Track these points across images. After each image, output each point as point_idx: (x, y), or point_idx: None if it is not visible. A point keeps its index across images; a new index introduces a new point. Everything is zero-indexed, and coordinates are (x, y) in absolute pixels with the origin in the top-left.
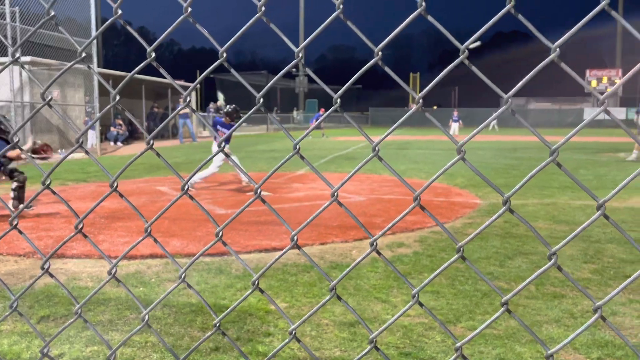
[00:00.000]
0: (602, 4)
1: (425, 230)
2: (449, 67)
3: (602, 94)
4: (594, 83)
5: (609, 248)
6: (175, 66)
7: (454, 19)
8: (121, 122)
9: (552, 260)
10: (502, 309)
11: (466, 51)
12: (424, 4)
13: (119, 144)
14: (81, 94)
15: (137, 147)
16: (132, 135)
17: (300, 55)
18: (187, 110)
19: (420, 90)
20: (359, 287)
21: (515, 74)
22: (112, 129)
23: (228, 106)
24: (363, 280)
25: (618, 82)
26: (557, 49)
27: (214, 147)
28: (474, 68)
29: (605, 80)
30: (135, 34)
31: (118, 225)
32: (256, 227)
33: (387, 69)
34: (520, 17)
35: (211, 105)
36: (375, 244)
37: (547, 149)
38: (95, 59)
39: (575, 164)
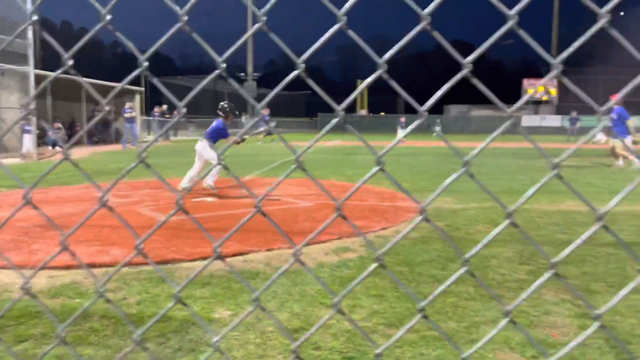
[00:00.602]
0: (599, 24)
1: (371, 235)
2: (451, 80)
3: (538, 102)
4: (529, 91)
5: (543, 249)
6: (118, 68)
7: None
8: (60, 126)
9: (552, 271)
10: (418, 315)
11: (471, 65)
12: (429, 17)
13: (57, 148)
14: (16, 97)
15: (78, 152)
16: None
17: (302, 65)
18: (133, 114)
19: (369, 96)
20: (304, 292)
21: (460, 84)
22: (49, 133)
23: (225, 104)
24: (308, 286)
25: (553, 91)
26: (470, 65)
27: (200, 145)
28: (475, 80)
29: (541, 89)
30: (126, 41)
31: (55, 234)
32: (201, 234)
33: (392, 83)
34: (522, 32)
35: (156, 109)
36: (300, 253)
37: (487, 155)
38: (31, 60)
39: (514, 169)
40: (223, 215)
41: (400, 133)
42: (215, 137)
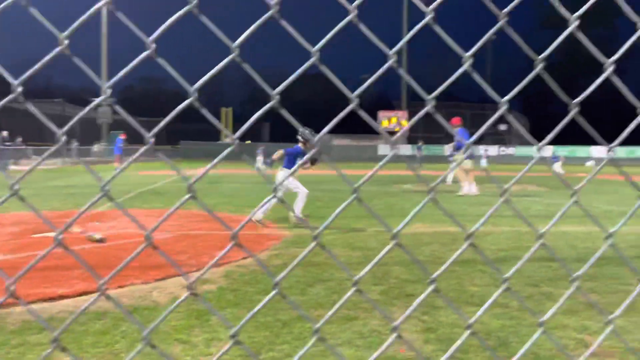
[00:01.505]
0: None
1: (232, 264)
2: (339, 115)
3: (391, 133)
4: (384, 123)
5: (394, 270)
6: None
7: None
8: None
9: (504, 286)
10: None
11: (358, 99)
12: (319, 53)
13: None
14: None
15: None
16: None
17: (315, 57)
18: None
19: (234, 125)
20: (157, 329)
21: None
22: None
23: (306, 130)
24: (162, 323)
25: (405, 122)
26: (357, 98)
27: (281, 175)
28: (362, 112)
29: (394, 120)
30: (83, 66)
31: None
32: (42, 273)
33: (284, 112)
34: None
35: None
36: (193, 286)
37: (338, 182)
38: None
39: (369, 195)
40: (80, 250)
41: (260, 162)
42: (291, 164)
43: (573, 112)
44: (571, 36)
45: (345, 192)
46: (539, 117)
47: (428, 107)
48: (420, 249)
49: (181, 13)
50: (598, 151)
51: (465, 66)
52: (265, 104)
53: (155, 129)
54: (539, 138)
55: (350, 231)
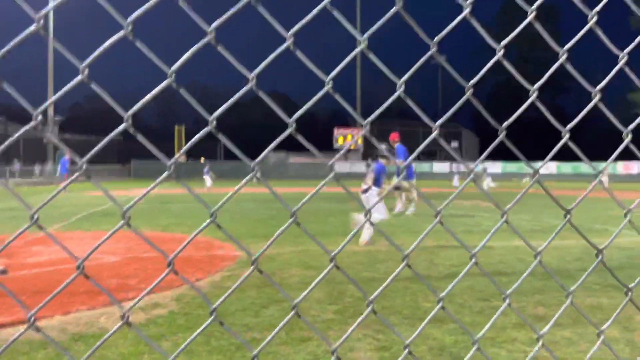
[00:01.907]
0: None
1: (184, 287)
2: (278, 139)
3: (347, 150)
4: (340, 140)
5: (350, 288)
6: None
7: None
8: None
9: (369, 309)
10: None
11: (294, 124)
12: (254, 79)
13: None
14: None
15: None
16: None
17: (329, 83)
18: None
19: (186, 142)
20: (105, 357)
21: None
22: None
23: (384, 147)
24: (110, 350)
25: (359, 139)
26: (294, 124)
27: (371, 194)
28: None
29: (350, 137)
30: (103, 93)
31: None
32: None
33: (222, 137)
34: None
35: None
36: (127, 315)
37: (298, 200)
38: None
39: (327, 213)
40: (18, 277)
41: (207, 179)
42: (379, 182)
43: (501, 137)
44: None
45: (302, 211)
46: (490, 135)
47: (364, 131)
48: (375, 267)
49: (200, 45)
50: (543, 168)
51: (399, 92)
52: (221, 122)
53: (88, 155)
54: (489, 154)
55: (305, 251)
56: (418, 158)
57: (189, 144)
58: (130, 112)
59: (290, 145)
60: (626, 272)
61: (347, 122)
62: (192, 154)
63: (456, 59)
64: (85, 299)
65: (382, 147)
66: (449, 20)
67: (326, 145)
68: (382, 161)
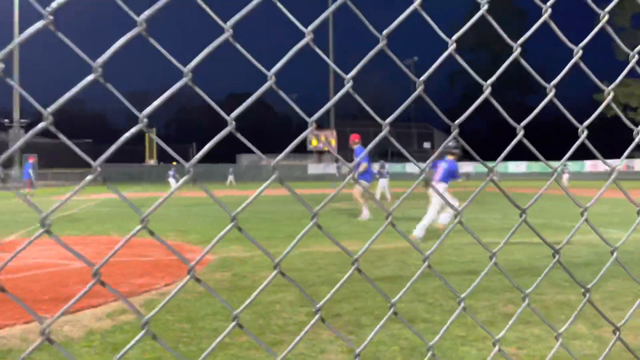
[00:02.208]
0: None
1: (154, 293)
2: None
3: (320, 152)
4: (314, 142)
5: (322, 290)
6: None
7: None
8: None
9: (317, 316)
10: None
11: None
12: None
13: None
14: None
15: None
16: None
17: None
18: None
19: (158, 146)
20: None
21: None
22: None
23: (456, 144)
24: (74, 358)
25: (333, 141)
26: (233, 122)
27: (440, 188)
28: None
29: (324, 139)
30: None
31: None
32: None
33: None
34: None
35: None
36: (48, 330)
37: (277, 201)
38: None
39: (299, 215)
40: None
41: (173, 182)
42: (448, 178)
43: (454, 133)
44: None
45: (270, 212)
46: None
47: (308, 130)
48: (348, 267)
49: (219, 42)
50: (514, 166)
51: (419, 90)
52: (192, 124)
53: (102, 156)
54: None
55: (278, 253)
56: (390, 159)
57: (208, 146)
58: (145, 112)
59: (264, 148)
60: (593, 268)
61: (322, 124)
62: (162, 157)
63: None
64: (48, 306)
65: (450, 144)
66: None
67: (300, 147)
68: (450, 158)
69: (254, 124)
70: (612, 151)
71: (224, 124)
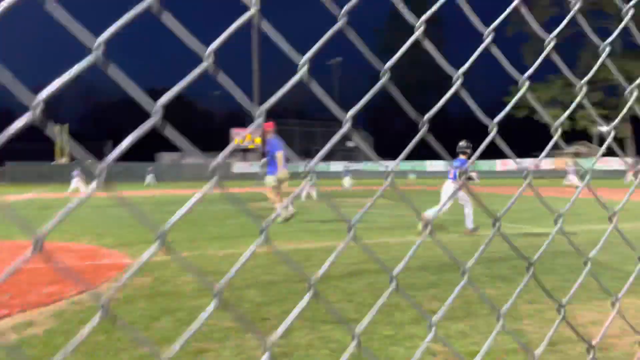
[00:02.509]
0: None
1: (64, 302)
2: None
3: (245, 150)
4: (238, 141)
5: (249, 293)
6: None
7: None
8: None
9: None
10: None
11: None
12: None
13: None
14: None
15: None
16: None
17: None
18: None
19: (67, 143)
20: None
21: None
22: None
23: (467, 143)
24: None
25: (258, 139)
26: (160, 109)
27: (449, 187)
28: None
29: (249, 137)
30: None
31: None
32: None
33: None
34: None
35: None
36: None
37: (201, 203)
38: None
39: (224, 215)
40: None
41: (75, 182)
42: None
43: (344, 128)
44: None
45: (193, 212)
46: (383, 134)
47: (258, 121)
48: (275, 269)
49: (241, 22)
50: (433, 165)
51: (456, 84)
52: (107, 120)
53: (111, 155)
54: (381, 153)
55: (201, 255)
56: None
57: (130, 138)
58: (161, 101)
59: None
60: (511, 263)
61: (244, 121)
62: (74, 155)
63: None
64: None
65: (462, 143)
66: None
67: (222, 145)
68: (463, 157)
69: (175, 121)
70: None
71: (144, 119)
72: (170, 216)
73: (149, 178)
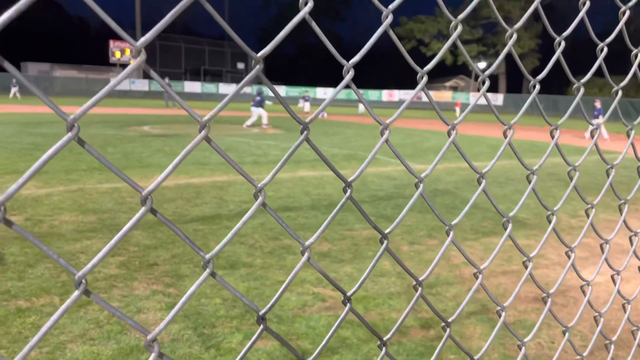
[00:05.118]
0: None
1: None
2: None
3: (124, 66)
4: (117, 54)
5: (135, 235)
6: None
7: None
8: None
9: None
10: None
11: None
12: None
13: None
14: None
15: None
16: None
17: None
18: None
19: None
20: None
21: None
22: None
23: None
24: None
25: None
26: None
27: None
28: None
29: (128, 52)
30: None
31: None
32: None
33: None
34: None
35: None
36: None
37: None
38: None
39: (103, 142)
40: None
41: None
42: None
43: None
44: None
45: (39, 135)
46: (270, 59)
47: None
48: (163, 207)
49: None
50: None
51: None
52: None
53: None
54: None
55: (80, 190)
56: (204, 79)
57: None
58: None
59: (55, 56)
60: (394, 201)
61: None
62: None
63: None
64: None
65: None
66: None
67: (101, 59)
68: None
69: (42, 26)
70: (405, 83)
71: None
72: (38, 140)
73: (14, 90)
